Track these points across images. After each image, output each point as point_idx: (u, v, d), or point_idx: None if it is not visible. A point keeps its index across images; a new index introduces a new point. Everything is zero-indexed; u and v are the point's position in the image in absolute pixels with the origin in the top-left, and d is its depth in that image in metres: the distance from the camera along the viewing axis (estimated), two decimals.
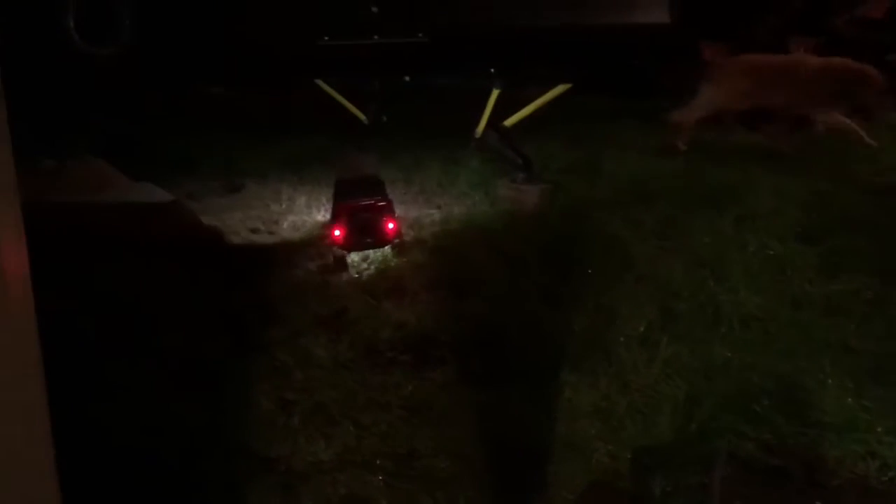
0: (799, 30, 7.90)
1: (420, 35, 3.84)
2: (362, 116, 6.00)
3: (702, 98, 6.17)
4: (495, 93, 5.09)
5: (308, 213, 4.87)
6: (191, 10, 3.49)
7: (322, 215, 4.73)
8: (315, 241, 4.23)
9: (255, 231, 4.55)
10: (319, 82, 5.80)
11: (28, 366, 1.23)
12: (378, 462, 2.37)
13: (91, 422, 2.44)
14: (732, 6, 7.02)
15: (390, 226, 3.92)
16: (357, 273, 3.82)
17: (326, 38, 3.69)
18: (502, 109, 5.39)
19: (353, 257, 3.94)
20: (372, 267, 3.88)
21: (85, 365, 2.77)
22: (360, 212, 3.87)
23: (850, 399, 2.58)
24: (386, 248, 4.00)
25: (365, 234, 3.87)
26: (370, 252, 3.98)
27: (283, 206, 4.99)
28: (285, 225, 4.63)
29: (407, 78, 5.36)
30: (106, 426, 2.45)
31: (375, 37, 3.77)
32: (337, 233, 3.84)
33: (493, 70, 4.84)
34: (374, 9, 3.72)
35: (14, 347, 1.19)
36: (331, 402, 2.66)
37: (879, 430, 2.43)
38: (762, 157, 5.72)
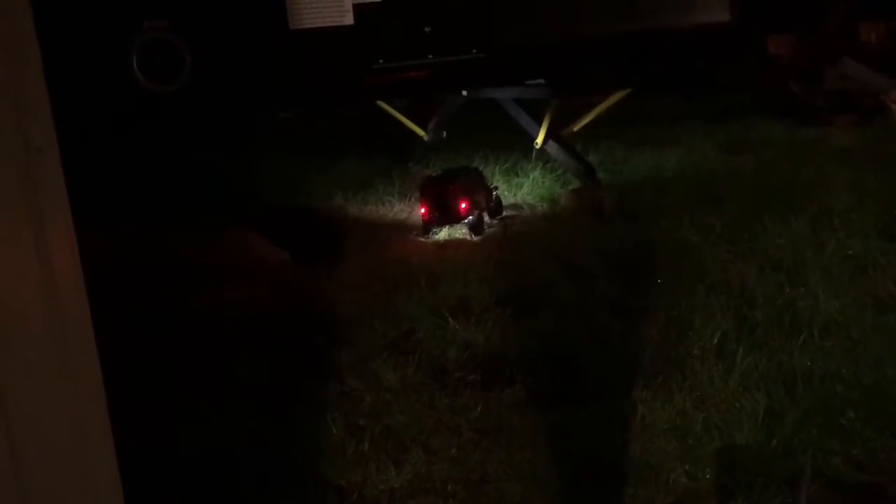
0: (869, 14, 7.60)
1: (475, 51, 3.82)
2: (423, 133, 6.01)
3: None
4: (554, 103, 5.04)
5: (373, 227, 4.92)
6: (248, 38, 3.55)
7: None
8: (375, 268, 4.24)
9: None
10: (379, 102, 5.84)
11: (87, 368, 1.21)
12: (449, 488, 2.34)
13: (160, 447, 2.49)
14: None
15: (462, 206, 4.54)
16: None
17: (381, 60, 3.71)
18: (563, 116, 5.34)
19: None
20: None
21: (155, 390, 2.83)
22: (437, 194, 4.59)
23: None
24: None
25: (442, 211, 4.59)
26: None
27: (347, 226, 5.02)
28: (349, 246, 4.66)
29: (464, 93, 5.35)
30: (175, 452, 2.49)
31: (430, 56, 3.77)
32: (422, 210, 4.65)
33: (550, 80, 4.79)
34: (427, 29, 3.72)
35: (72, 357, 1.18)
36: (400, 426, 2.66)
37: None
38: (835, 151, 5.51)
